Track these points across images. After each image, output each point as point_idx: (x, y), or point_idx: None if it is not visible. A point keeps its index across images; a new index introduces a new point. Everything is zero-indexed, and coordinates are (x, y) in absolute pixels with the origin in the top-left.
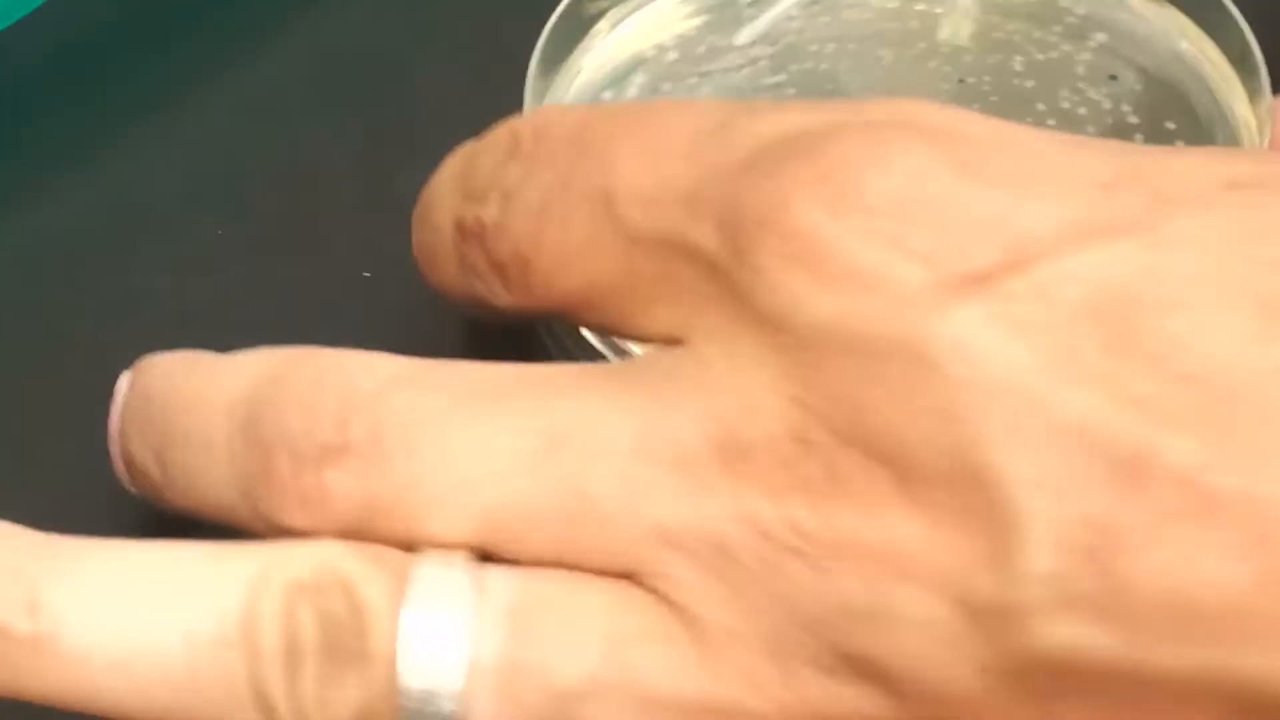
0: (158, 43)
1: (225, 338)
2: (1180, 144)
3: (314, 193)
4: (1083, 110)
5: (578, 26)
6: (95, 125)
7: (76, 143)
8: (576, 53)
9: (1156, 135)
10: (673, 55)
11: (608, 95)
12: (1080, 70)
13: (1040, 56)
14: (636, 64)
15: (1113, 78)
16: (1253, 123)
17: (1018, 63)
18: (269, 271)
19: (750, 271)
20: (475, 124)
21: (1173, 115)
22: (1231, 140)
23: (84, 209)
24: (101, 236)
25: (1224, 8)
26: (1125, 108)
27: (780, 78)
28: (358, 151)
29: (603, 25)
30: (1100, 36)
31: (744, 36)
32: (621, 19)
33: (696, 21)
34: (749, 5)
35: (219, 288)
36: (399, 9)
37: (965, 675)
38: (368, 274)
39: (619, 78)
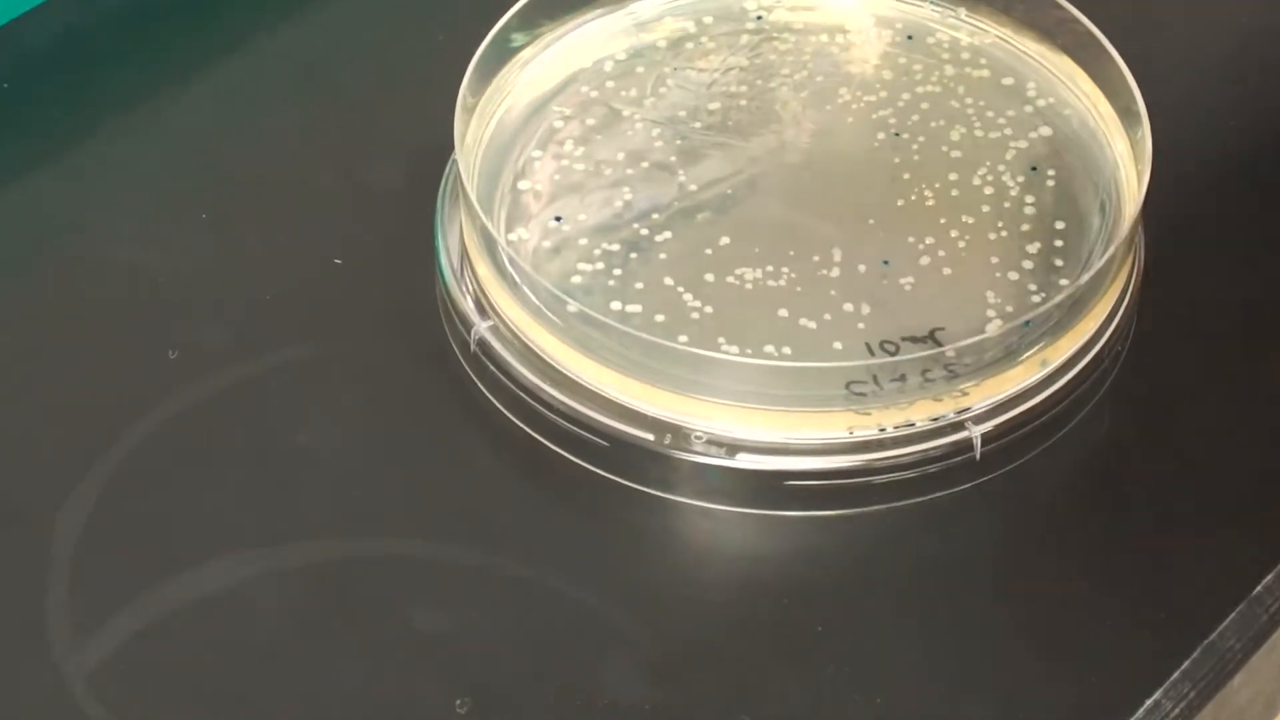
0: (152, 41)
1: (202, 314)
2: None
3: (288, 185)
4: (989, 190)
5: (506, 51)
6: (93, 111)
7: (76, 125)
8: (510, 66)
9: (1043, 224)
10: (609, 80)
11: (555, 106)
12: (1010, 155)
13: (980, 134)
14: (570, 80)
15: (1034, 169)
16: (1130, 159)
17: (956, 133)
18: (246, 254)
19: None
20: (430, 126)
21: (1057, 166)
22: (1106, 181)
23: (80, 186)
24: (93, 213)
25: (1114, 63)
26: (1029, 198)
27: (716, 105)
28: (327, 149)
29: (530, 51)
30: (1045, 130)
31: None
32: (552, 42)
33: (625, 44)
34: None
35: (198, 266)
36: (364, 24)
37: None
38: (338, 261)
39: (559, 89)
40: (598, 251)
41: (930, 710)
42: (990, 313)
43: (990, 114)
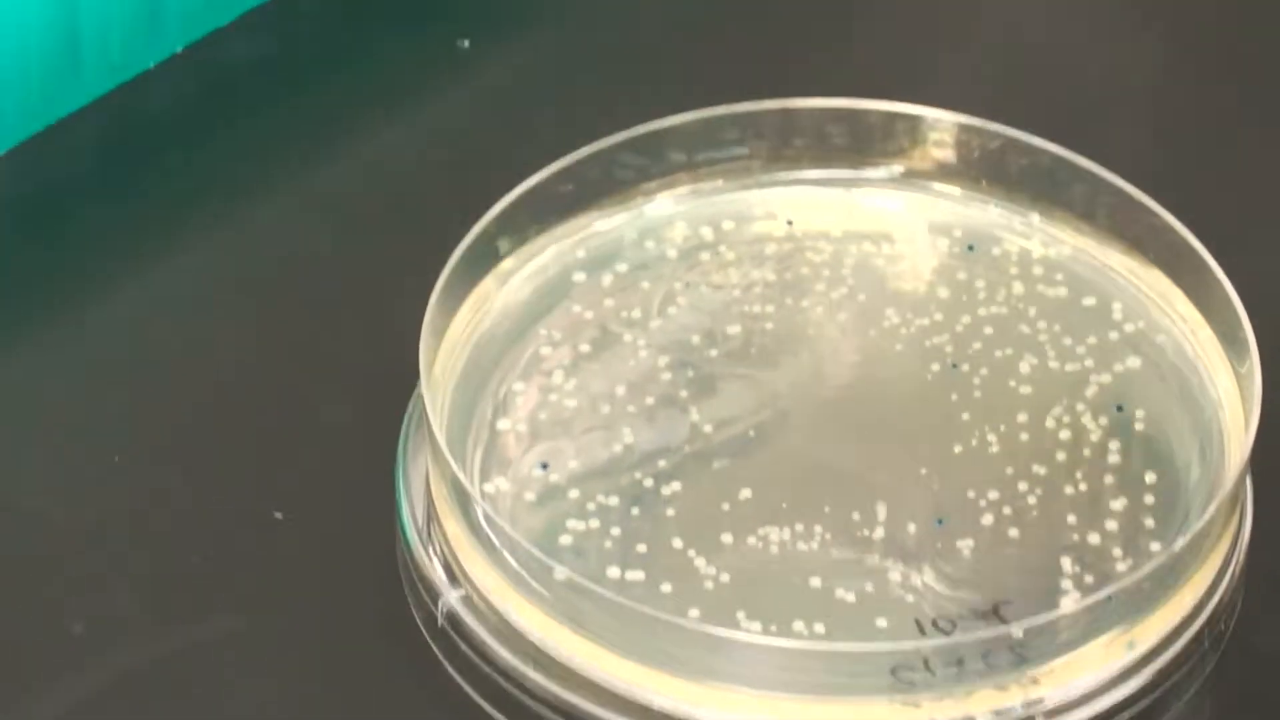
0: (57, 230)
1: (112, 578)
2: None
3: (218, 420)
4: (1065, 434)
5: (484, 260)
6: None
7: None
8: (488, 279)
9: (1131, 476)
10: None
11: (541, 329)
12: (1090, 392)
13: (1055, 365)
14: (560, 297)
15: (1119, 408)
16: (1235, 396)
17: (1027, 364)
18: (167, 505)
19: None
20: (392, 348)
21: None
22: (1207, 422)
23: None
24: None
25: (1217, 280)
26: (1113, 444)
27: (736, 327)
28: (266, 375)
29: (512, 261)
30: (1133, 361)
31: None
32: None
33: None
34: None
35: (108, 519)
36: (312, 223)
37: None
38: (279, 514)
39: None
40: (591, 506)
41: None
42: (1066, 584)
43: (1067, 341)
